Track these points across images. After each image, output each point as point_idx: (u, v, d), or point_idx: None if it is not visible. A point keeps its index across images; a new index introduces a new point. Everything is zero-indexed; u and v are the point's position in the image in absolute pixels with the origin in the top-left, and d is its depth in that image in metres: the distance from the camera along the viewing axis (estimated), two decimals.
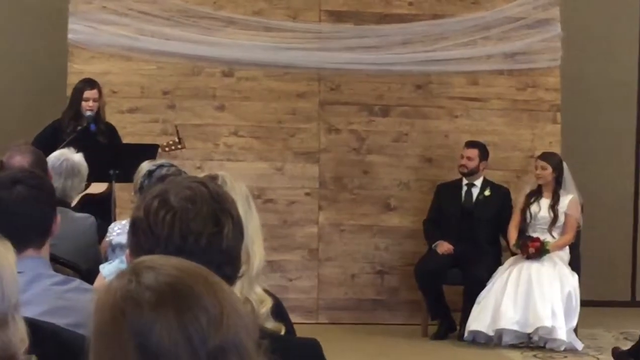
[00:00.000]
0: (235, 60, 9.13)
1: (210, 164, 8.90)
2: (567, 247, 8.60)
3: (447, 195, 8.94)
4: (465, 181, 8.91)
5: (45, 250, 3.07)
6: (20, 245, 2.67)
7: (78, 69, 8.78)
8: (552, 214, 8.55)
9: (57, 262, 3.76)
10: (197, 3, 9.10)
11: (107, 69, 8.97)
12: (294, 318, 2.81)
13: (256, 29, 9.15)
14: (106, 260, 4.91)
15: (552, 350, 8.16)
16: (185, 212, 2.06)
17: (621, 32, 10.30)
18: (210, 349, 1.43)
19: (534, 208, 8.61)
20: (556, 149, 9.15)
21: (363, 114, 9.32)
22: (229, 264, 2.08)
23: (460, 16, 9.36)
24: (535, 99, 9.43)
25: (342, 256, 9.23)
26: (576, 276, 8.41)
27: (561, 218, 8.57)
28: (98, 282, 4.17)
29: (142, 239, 2.06)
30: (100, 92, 8.02)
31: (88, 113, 7.85)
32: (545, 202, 8.61)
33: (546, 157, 8.74)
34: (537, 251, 8.33)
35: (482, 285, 8.36)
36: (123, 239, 4.72)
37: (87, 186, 6.21)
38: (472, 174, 8.86)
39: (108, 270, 4.38)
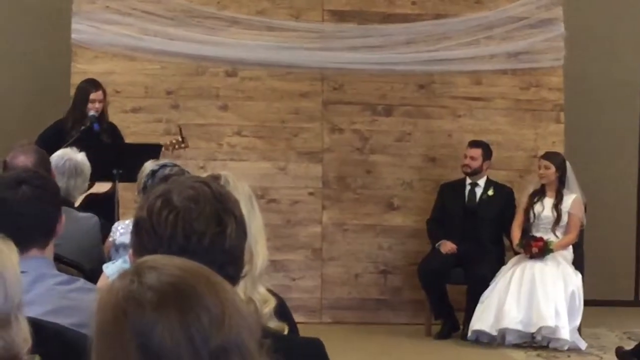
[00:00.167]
0: (239, 60, 9.13)
1: (214, 163, 8.89)
2: (571, 247, 8.59)
3: (450, 194, 8.93)
4: (468, 181, 8.90)
5: (50, 250, 3.06)
6: (24, 245, 2.67)
7: (81, 69, 8.78)
8: (555, 214, 8.55)
9: (61, 261, 3.76)
10: (200, 3, 9.10)
11: (111, 69, 8.97)
12: (297, 318, 2.82)
13: (259, 28, 9.15)
14: (110, 259, 4.91)
15: (555, 349, 8.15)
16: (188, 212, 2.06)
17: (624, 31, 10.29)
18: (212, 349, 1.43)
19: (537, 208, 8.60)
20: (559, 149, 9.15)
21: (366, 113, 9.31)
22: (232, 263, 2.08)
23: (463, 16, 9.35)
24: (538, 98, 9.42)
25: (346, 256, 9.22)
26: (579, 276, 8.40)
27: (564, 217, 8.56)
28: (102, 281, 4.18)
29: (145, 239, 2.06)
30: (104, 92, 8.02)
31: (92, 113, 7.85)
32: (548, 201, 8.60)
33: (549, 156, 8.73)
34: (540, 251, 8.32)
35: (486, 285, 8.35)
36: (126, 238, 4.72)
37: (90, 186, 6.20)
38: (475, 173, 8.86)
39: (111, 270, 4.39)
